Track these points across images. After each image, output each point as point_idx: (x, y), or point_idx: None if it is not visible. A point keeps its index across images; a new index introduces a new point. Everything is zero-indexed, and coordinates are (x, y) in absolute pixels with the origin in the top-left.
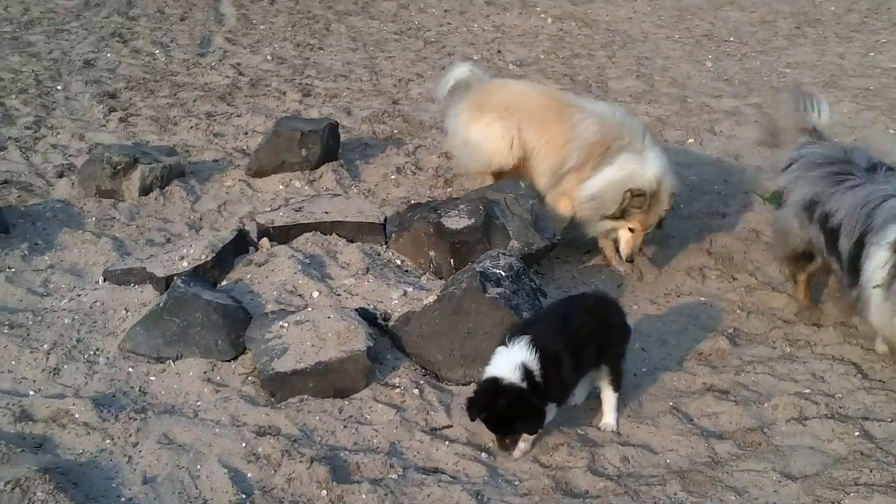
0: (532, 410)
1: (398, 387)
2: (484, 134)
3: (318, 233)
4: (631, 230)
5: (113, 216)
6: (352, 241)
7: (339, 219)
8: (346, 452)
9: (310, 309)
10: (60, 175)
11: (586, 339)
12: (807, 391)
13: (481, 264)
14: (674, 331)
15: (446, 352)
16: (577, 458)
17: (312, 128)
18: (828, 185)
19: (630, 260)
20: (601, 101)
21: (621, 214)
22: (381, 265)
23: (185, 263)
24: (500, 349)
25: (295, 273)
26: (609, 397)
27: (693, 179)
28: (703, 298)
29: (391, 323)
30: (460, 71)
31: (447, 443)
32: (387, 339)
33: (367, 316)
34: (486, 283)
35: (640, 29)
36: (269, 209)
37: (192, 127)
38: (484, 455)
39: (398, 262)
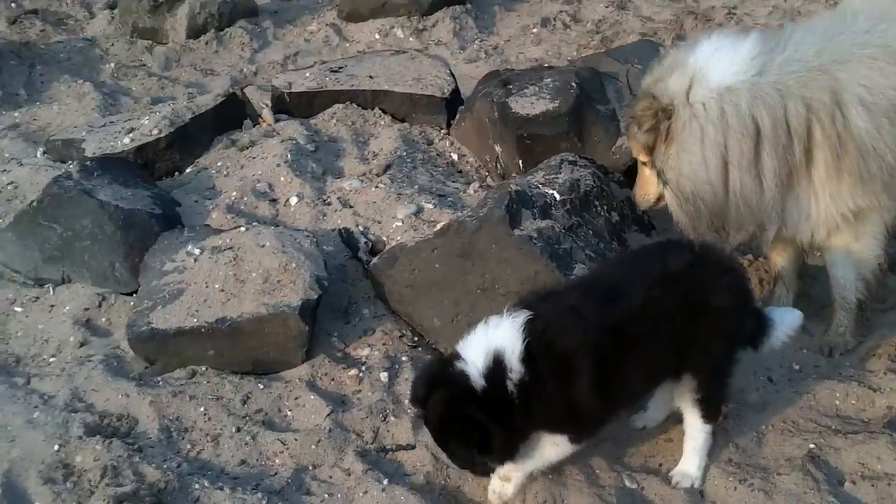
0: (466, 428)
1: (361, 364)
2: None
3: (354, 105)
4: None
5: (142, 63)
6: (401, 121)
7: (387, 87)
8: (206, 486)
9: (242, 229)
10: (112, 6)
11: (655, 331)
12: None
13: (528, 178)
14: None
15: (447, 315)
16: None
17: None
18: None
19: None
20: None
21: None
22: (420, 161)
23: (127, 140)
24: (491, 318)
25: (279, 165)
26: (695, 430)
27: None
28: None
29: (374, 261)
30: None
31: (387, 480)
32: (368, 282)
33: (350, 242)
34: (521, 210)
35: None
36: (294, 67)
37: None
38: None
39: (454, 156)
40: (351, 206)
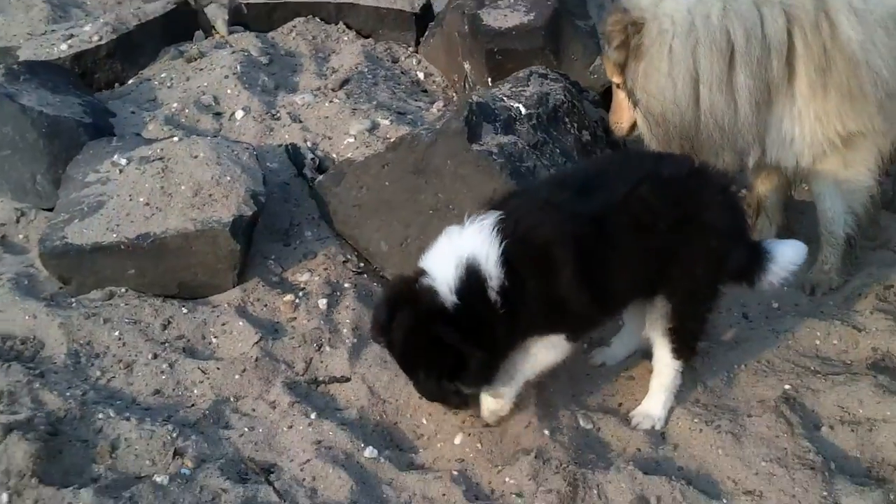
0: (436, 352)
1: (299, 289)
2: None
3: (317, 19)
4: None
5: None
6: (366, 37)
7: (354, 0)
8: (111, 415)
9: (175, 139)
10: None
11: (638, 229)
12: None
13: (493, 90)
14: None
15: (395, 238)
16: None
17: None
18: None
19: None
20: None
21: None
22: (382, 78)
23: (64, 47)
24: (450, 229)
25: (227, 77)
26: (663, 366)
27: None
28: None
29: (319, 178)
30: None
31: (315, 414)
32: (313, 202)
33: (296, 159)
34: (482, 123)
35: None
36: None
37: None
38: (370, 452)
39: (419, 75)
40: (301, 122)
